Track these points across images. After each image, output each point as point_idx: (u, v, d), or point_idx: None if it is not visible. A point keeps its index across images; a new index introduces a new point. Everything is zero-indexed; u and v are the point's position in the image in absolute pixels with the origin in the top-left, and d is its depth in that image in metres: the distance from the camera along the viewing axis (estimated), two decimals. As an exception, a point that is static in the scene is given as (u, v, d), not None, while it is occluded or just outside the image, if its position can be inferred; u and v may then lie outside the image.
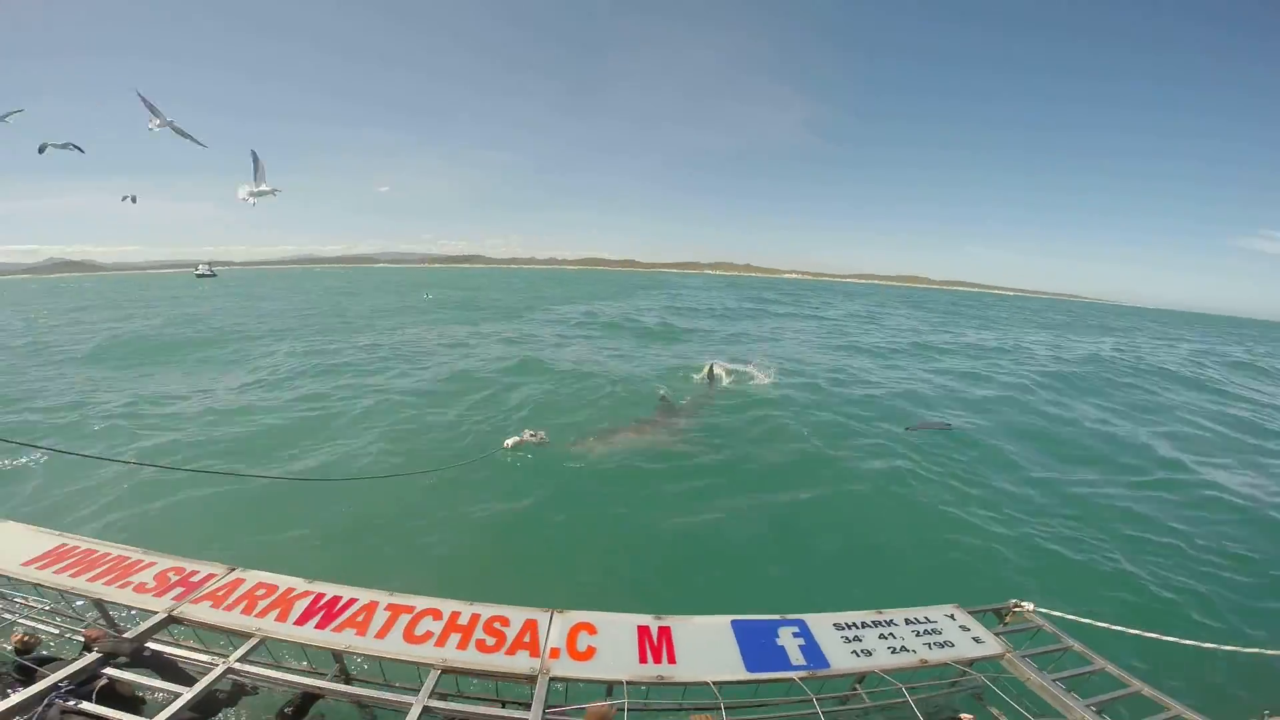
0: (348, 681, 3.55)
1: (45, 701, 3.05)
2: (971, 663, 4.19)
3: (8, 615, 4.33)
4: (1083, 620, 4.84)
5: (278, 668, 3.57)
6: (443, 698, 3.28)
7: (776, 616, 4.22)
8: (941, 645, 4.23)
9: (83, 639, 4.24)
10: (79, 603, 4.35)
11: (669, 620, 4.01)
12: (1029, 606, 4.89)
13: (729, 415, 15.77)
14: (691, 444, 13.06)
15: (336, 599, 3.73)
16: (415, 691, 3.18)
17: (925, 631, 4.35)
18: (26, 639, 3.87)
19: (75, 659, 3.33)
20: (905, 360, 27.55)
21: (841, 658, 3.92)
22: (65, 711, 3.16)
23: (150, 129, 15.65)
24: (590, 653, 3.69)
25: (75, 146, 16.65)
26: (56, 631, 4.32)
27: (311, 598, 3.70)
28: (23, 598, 4.43)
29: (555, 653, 3.61)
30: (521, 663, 3.49)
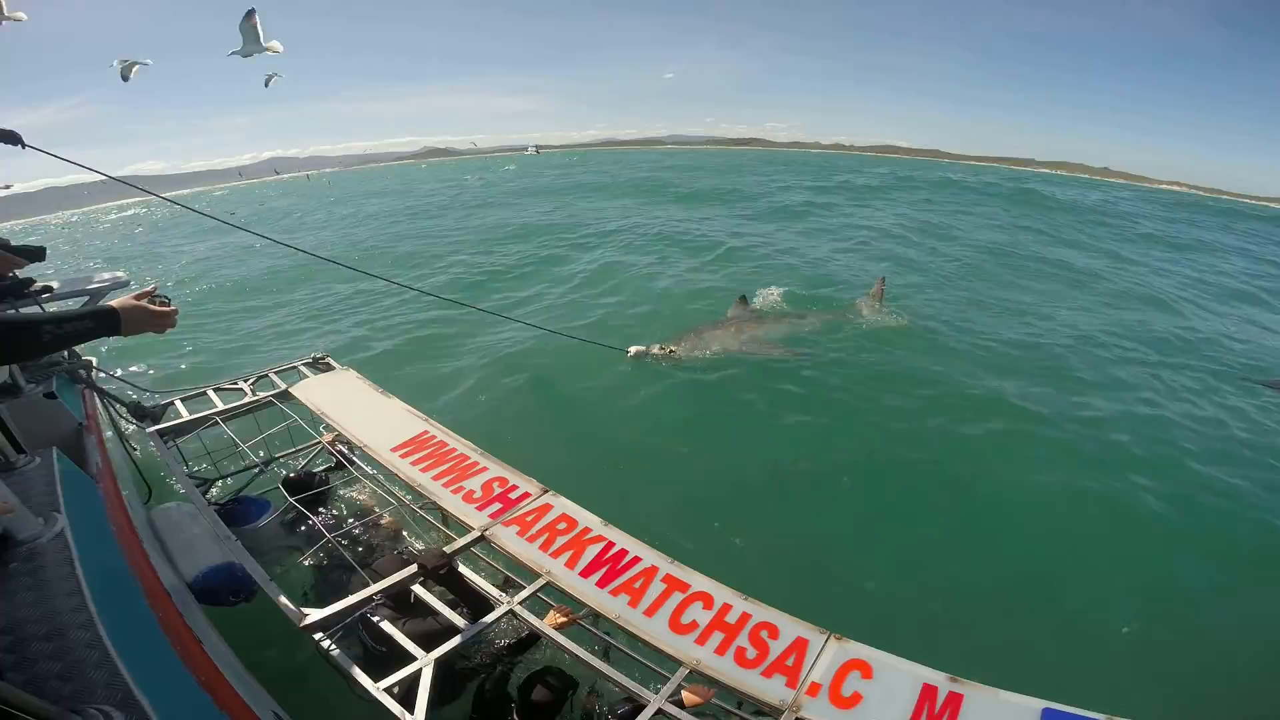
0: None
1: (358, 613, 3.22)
2: None
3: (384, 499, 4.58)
4: None
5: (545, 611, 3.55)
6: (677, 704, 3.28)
7: (1104, 717, 3.15)
8: None
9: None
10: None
11: (964, 687, 3.28)
12: None
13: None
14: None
15: (623, 553, 3.84)
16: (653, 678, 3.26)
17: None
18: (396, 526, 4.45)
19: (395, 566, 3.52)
20: None
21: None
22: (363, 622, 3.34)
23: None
24: (855, 700, 3.28)
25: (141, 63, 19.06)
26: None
27: (602, 545, 3.87)
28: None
29: (814, 688, 3.29)
30: (773, 689, 3.28)
